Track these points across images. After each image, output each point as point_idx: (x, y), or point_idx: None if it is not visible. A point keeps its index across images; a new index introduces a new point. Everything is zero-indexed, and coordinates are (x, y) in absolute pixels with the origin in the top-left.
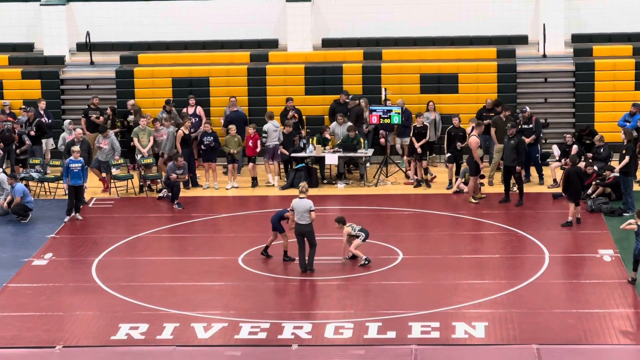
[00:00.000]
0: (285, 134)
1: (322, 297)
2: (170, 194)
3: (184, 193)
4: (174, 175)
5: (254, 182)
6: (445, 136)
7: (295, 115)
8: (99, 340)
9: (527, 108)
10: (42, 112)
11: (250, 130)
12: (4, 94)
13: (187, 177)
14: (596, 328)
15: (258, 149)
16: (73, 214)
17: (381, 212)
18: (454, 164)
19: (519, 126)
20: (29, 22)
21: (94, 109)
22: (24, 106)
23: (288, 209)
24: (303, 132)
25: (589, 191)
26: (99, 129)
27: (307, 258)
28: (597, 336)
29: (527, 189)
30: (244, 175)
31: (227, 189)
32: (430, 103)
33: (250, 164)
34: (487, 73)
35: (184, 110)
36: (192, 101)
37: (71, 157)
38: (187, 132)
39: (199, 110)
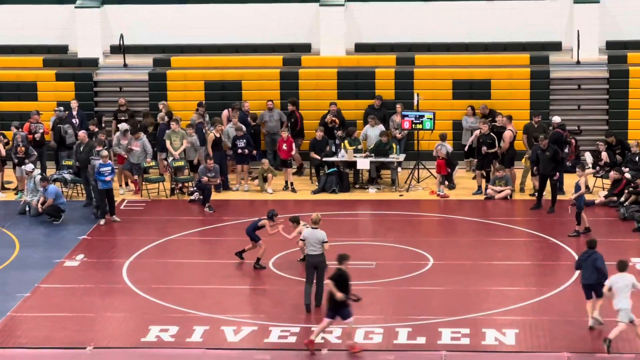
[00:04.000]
0: (317, 139)
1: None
2: (201, 197)
3: (215, 196)
4: (205, 178)
5: (286, 186)
6: (475, 142)
7: (336, 120)
8: (129, 341)
9: (556, 118)
10: (74, 113)
11: (284, 134)
12: (38, 96)
13: (218, 181)
14: (628, 337)
15: (293, 152)
16: (107, 216)
17: (412, 217)
18: (482, 170)
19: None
20: (63, 24)
21: (123, 111)
22: (57, 108)
23: (262, 218)
24: (339, 133)
25: (622, 199)
26: (130, 131)
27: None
28: (629, 345)
29: (560, 196)
30: (279, 179)
31: (269, 193)
32: (469, 108)
33: (289, 169)
34: (520, 79)
35: (223, 114)
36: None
37: (100, 161)
38: (218, 135)
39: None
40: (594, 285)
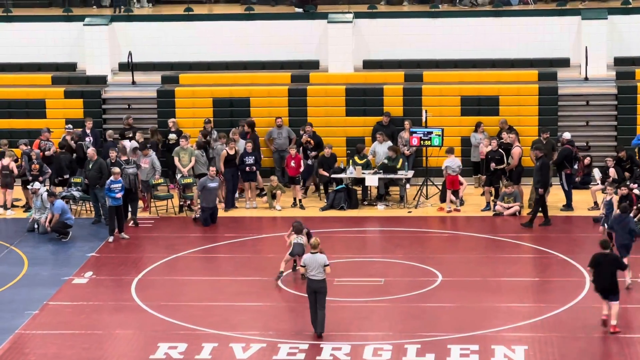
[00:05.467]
0: (325, 156)
1: (360, 319)
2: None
3: (223, 213)
4: (196, 208)
5: (294, 203)
6: (484, 158)
7: (311, 141)
8: (138, 359)
9: (566, 134)
10: (87, 132)
11: (292, 151)
12: (47, 113)
13: (222, 201)
14: (637, 353)
15: (301, 169)
16: (116, 233)
17: (421, 233)
18: (491, 187)
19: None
20: (72, 42)
21: (128, 129)
22: (68, 125)
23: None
24: (312, 154)
25: (631, 215)
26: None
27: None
28: None
29: (568, 212)
30: (287, 195)
31: (278, 210)
32: (481, 125)
33: (297, 186)
34: (528, 95)
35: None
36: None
37: (111, 178)
38: (232, 152)
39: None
40: (628, 244)
